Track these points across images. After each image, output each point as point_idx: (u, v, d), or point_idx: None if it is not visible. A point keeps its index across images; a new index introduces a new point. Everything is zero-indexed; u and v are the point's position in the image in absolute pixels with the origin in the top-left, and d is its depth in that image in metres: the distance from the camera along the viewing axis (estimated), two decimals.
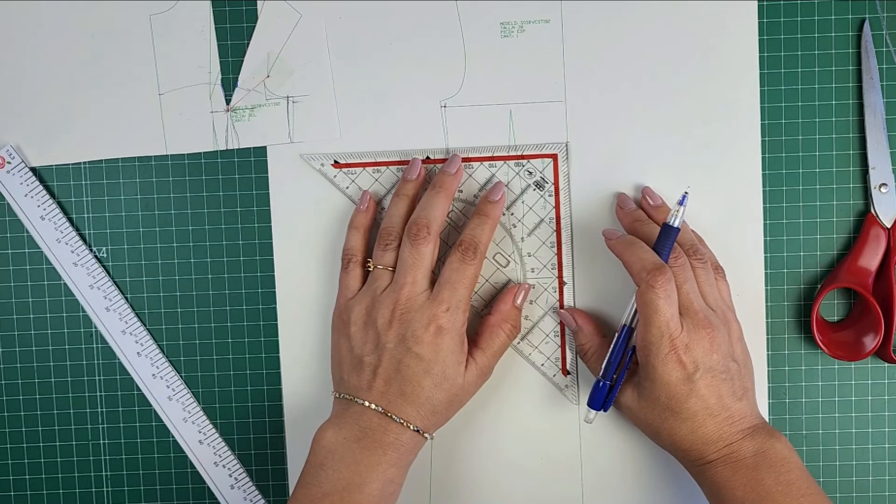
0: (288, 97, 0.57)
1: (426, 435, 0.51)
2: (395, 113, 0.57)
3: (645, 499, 0.58)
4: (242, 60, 0.57)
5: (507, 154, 0.57)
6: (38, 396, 0.59)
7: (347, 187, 0.57)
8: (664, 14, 0.56)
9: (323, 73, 0.57)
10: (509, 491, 0.58)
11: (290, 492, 0.57)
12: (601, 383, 0.53)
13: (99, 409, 0.59)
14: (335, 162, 0.57)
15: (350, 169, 0.57)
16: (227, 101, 0.57)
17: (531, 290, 0.57)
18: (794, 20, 0.56)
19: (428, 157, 0.57)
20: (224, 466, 0.59)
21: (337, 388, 0.54)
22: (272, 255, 0.58)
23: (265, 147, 0.57)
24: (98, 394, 0.59)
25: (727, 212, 0.57)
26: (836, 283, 0.56)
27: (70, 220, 0.58)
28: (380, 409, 0.50)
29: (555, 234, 0.57)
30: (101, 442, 0.59)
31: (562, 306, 0.57)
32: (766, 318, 0.57)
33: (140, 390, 0.58)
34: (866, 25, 0.56)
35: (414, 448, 0.51)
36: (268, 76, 0.57)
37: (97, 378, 0.59)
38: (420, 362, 0.51)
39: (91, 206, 0.58)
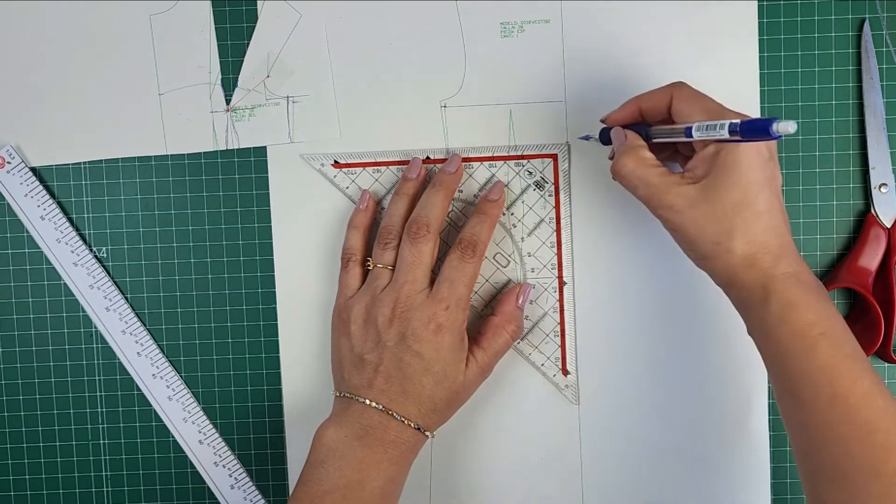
0: (288, 97, 0.57)
1: (427, 433, 0.52)
2: (395, 113, 0.57)
3: (645, 498, 0.58)
4: (242, 60, 0.57)
5: (507, 154, 0.57)
6: (38, 396, 0.59)
7: (347, 187, 0.57)
8: (664, 14, 0.56)
9: (323, 73, 0.57)
10: (509, 490, 0.58)
11: (290, 492, 0.57)
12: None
13: (99, 409, 0.59)
14: (335, 162, 0.57)
15: (350, 169, 0.57)
16: (227, 101, 0.57)
17: (532, 290, 0.57)
18: (794, 20, 0.56)
19: (428, 157, 0.57)
20: (224, 466, 0.59)
21: (338, 387, 0.54)
22: (272, 255, 0.58)
23: (265, 147, 0.57)
24: (98, 394, 0.59)
25: None
26: (836, 283, 0.56)
27: (70, 220, 0.58)
28: (381, 406, 0.50)
29: (555, 234, 0.57)
30: (101, 442, 0.59)
31: (562, 306, 0.57)
32: None
33: (140, 390, 0.58)
34: (866, 25, 0.56)
35: (415, 446, 0.51)
36: (268, 76, 0.57)
37: (97, 378, 0.59)
38: (420, 360, 0.51)
39: (91, 206, 0.58)
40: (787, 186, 0.57)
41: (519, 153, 0.57)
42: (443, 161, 0.57)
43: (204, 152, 0.58)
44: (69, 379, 0.59)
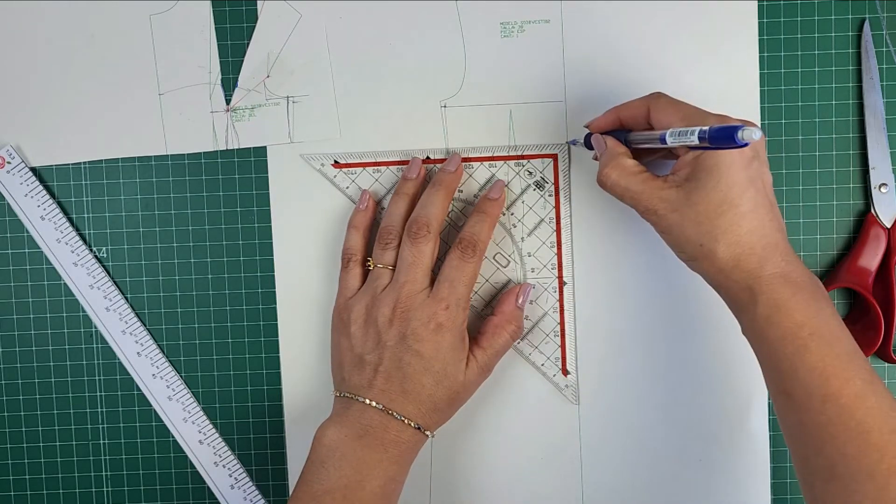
0: (288, 97, 0.57)
1: (427, 433, 0.52)
2: (395, 113, 0.57)
3: (645, 498, 0.58)
4: (242, 60, 0.57)
5: (507, 154, 0.57)
6: (38, 396, 0.59)
7: (347, 187, 0.57)
8: (664, 14, 0.56)
9: (323, 73, 0.57)
10: (509, 490, 0.58)
11: (290, 491, 0.57)
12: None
13: (99, 409, 0.59)
14: (335, 162, 0.57)
15: (350, 169, 0.57)
16: (227, 101, 0.57)
17: (532, 290, 0.57)
18: (794, 20, 0.56)
19: (428, 157, 0.57)
20: (224, 466, 0.59)
21: (338, 387, 0.54)
22: (272, 255, 0.58)
23: (265, 147, 0.57)
24: (98, 394, 0.59)
25: None
26: (836, 283, 0.56)
27: (70, 220, 0.58)
28: (381, 406, 0.50)
29: (555, 234, 0.57)
30: (101, 442, 0.59)
31: (562, 306, 0.57)
32: None
33: (140, 390, 0.58)
34: (866, 25, 0.56)
35: (415, 446, 0.51)
36: (268, 76, 0.57)
37: (97, 378, 0.59)
38: (421, 360, 0.51)
39: (91, 206, 0.58)
40: (786, 186, 0.57)
41: (519, 153, 0.57)
42: (443, 161, 0.57)
43: (204, 152, 0.58)
44: (69, 379, 0.59)
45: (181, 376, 0.58)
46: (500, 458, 0.58)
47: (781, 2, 0.56)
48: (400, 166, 0.57)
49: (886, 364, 0.57)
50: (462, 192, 0.57)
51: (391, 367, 0.51)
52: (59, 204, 0.58)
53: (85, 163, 0.58)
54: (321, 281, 0.58)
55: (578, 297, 0.58)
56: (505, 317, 0.55)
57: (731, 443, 0.57)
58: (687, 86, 0.56)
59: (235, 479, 0.59)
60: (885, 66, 0.56)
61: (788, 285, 0.45)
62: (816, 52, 0.56)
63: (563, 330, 0.58)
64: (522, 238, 0.57)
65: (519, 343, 0.58)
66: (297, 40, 0.57)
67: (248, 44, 0.57)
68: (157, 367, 0.58)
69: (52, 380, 0.59)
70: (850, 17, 0.56)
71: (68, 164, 0.58)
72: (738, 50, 0.56)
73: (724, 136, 0.42)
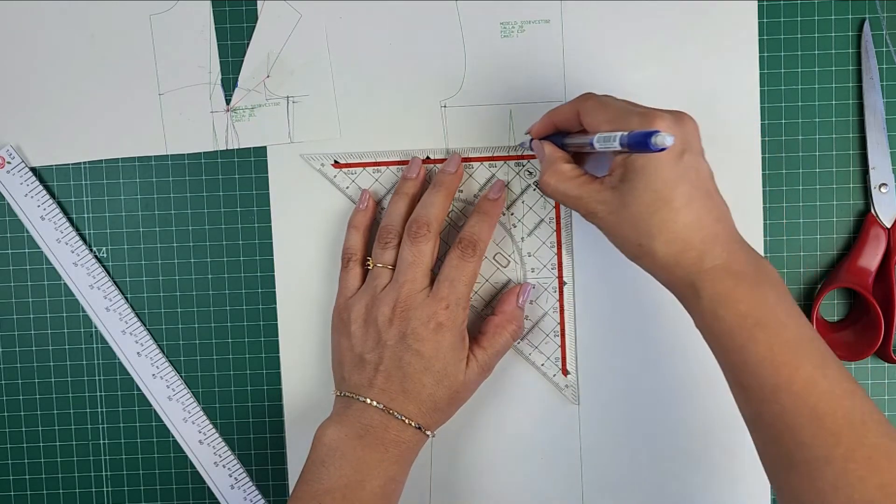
0: (288, 97, 0.57)
1: (428, 432, 0.52)
2: (395, 113, 0.57)
3: (644, 498, 0.58)
4: (242, 60, 0.57)
5: (507, 154, 0.57)
6: (38, 396, 0.59)
7: (347, 187, 0.57)
8: (664, 14, 0.56)
9: (323, 73, 0.57)
10: (509, 490, 0.58)
11: (290, 491, 0.57)
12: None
13: (99, 409, 0.59)
14: (335, 162, 0.57)
15: (350, 169, 0.57)
16: (227, 101, 0.57)
17: (532, 289, 0.57)
18: (794, 20, 0.56)
19: (428, 157, 0.57)
20: (224, 466, 0.59)
21: (338, 386, 0.54)
22: (272, 255, 0.58)
23: (265, 147, 0.57)
24: (98, 394, 0.59)
25: None
26: (836, 283, 0.56)
27: (70, 220, 0.58)
28: (381, 406, 0.50)
29: (555, 234, 0.57)
30: (101, 442, 0.59)
31: (562, 306, 0.57)
32: None
33: (140, 390, 0.58)
34: (866, 25, 0.56)
35: (416, 446, 0.51)
36: (268, 76, 0.57)
37: (97, 378, 0.59)
38: (421, 359, 0.51)
39: (91, 206, 0.58)
40: (786, 186, 0.57)
41: (519, 153, 0.57)
42: (443, 161, 0.57)
43: (204, 152, 0.58)
44: (69, 379, 0.59)
45: (181, 376, 0.58)
46: (500, 458, 0.58)
47: (781, 2, 0.56)
48: (400, 166, 0.57)
49: (886, 364, 0.57)
50: (462, 192, 0.57)
51: (391, 366, 0.51)
52: (59, 204, 0.58)
53: (85, 163, 0.58)
54: (321, 281, 0.58)
55: (578, 297, 0.58)
56: (505, 316, 0.55)
57: (731, 443, 0.57)
58: (687, 86, 0.56)
59: (235, 479, 0.59)
60: (885, 66, 0.56)
61: (730, 276, 0.44)
62: (816, 52, 0.56)
63: (563, 330, 0.58)
64: (522, 238, 0.57)
65: (519, 343, 0.58)
66: (297, 40, 0.57)
67: (248, 44, 0.57)
68: (157, 367, 0.58)
69: (52, 380, 0.59)
70: (850, 17, 0.56)
71: (68, 164, 0.58)
72: (738, 50, 0.56)
73: (639, 142, 0.42)
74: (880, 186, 0.56)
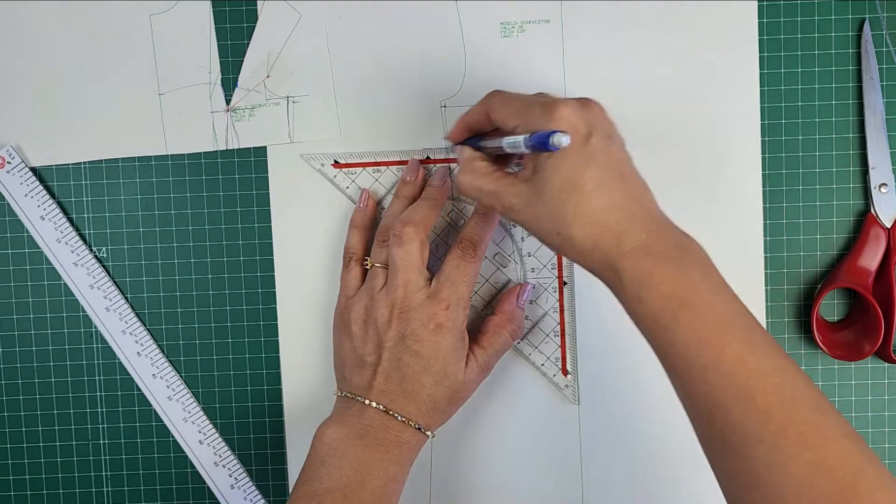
0: (288, 97, 0.57)
1: (428, 433, 0.51)
2: (395, 113, 0.57)
3: (644, 498, 0.58)
4: (242, 60, 0.57)
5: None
6: (38, 396, 0.59)
7: (347, 187, 0.57)
8: (664, 14, 0.56)
9: (323, 73, 0.57)
10: (509, 490, 0.58)
11: (290, 491, 0.57)
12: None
13: (99, 409, 0.59)
14: (335, 162, 0.57)
15: (350, 169, 0.57)
16: (227, 101, 0.57)
17: (532, 289, 0.57)
18: (794, 20, 0.56)
19: (428, 157, 0.57)
20: (224, 466, 0.59)
21: (339, 386, 0.54)
22: (272, 255, 0.58)
23: (265, 147, 0.57)
24: (98, 394, 0.59)
25: (727, 212, 0.57)
26: (836, 283, 0.56)
27: (70, 220, 0.58)
28: (381, 407, 0.50)
29: None
30: (101, 442, 0.59)
31: (562, 306, 0.57)
32: (766, 318, 0.57)
33: (140, 390, 0.58)
34: (866, 25, 0.56)
35: (416, 446, 0.51)
36: (268, 76, 0.57)
37: (97, 378, 0.59)
38: (420, 360, 0.51)
39: (91, 206, 0.58)
40: (786, 186, 0.57)
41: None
42: (443, 161, 0.57)
43: (204, 152, 0.58)
44: (69, 379, 0.59)
45: (181, 376, 0.58)
46: (500, 458, 0.58)
47: (781, 2, 0.56)
48: (400, 166, 0.57)
49: (886, 364, 0.57)
50: None
51: (390, 367, 0.51)
52: (59, 204, 0.58)
53: (85, 163, 0.58)
54: (321, 281, 0.58)
55: (578, 297, 0.58)
56: (505, 316, 0.55)
57: None
58: (687, 86, 0.56)
59: (235, 479, 0.59)
60: (885, 66, 0.56)
61: (650, 257, 0.43)
62: (816, 52, 0.56)
63: (563, 330, 0.58)
64: (522, 238, 0.57)
65: (519, 343, 0.58)
66: (297, 40, 0.57)
67: (248, 44, 0.57)
68: (157, 367, 0.58)
69: (52, 380, 0.59)
70: (850, 17, 0.56)
71: (68, 164, 0.58)
72: (738, 50, 0.56)
73: (541, 143, 0.43)
74: (880, 186, 0.56)
